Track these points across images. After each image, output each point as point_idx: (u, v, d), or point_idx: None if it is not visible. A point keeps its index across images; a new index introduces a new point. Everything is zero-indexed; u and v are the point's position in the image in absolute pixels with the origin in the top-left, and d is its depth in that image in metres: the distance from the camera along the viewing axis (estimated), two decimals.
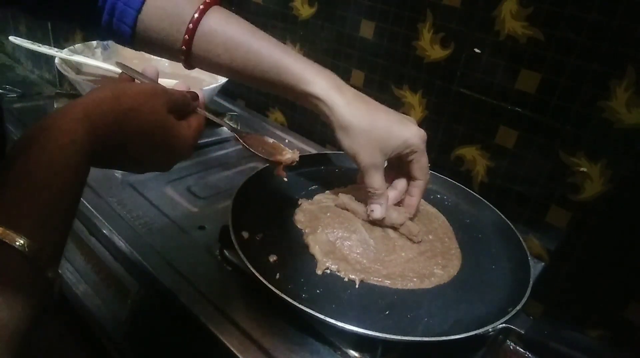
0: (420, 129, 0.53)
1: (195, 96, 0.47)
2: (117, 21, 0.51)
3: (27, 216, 0.28)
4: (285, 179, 0.55)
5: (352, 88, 0.53)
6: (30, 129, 0.31)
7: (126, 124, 0.36)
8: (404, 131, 0.52)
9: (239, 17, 0.52)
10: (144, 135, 0.38)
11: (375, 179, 0.53)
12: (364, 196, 0.64)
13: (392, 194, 0.57)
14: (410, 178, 0.56)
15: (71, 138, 0.31)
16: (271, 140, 0.55)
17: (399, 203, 0.58)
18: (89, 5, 0.51)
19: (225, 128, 0.92)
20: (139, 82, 0.47)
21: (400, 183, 0.57)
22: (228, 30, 0.51)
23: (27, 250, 0.27)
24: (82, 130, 0.32)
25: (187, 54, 0.52)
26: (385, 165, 0.55)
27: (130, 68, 0.49)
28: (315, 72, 0.51)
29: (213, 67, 0.54)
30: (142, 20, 0.51)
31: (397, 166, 0.56)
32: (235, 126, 0.92)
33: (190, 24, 0.49)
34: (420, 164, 0.54)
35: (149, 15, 0.51)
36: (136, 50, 0.55)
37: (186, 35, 0.50)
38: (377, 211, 0.55)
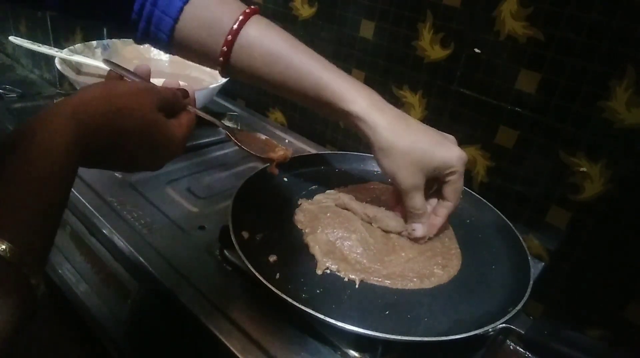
0: (462, 150, 0.52)
1: (185, 94, 0.46)
2: (154, 29, 0.50)
3: (9, 220, 0.27)
4: (276, 174, 0.54)
5: (393, 107, 0.52)
6: (16, 130, 0.30)
7: (115, 124, 0.36)
8: (446, 152, 0.51)
9: (279, 29, 0.51)
10: (133, 134, 0.37)
11: (417, 200, 0.52)
12: (364, 196, 0.64)
13: (437, 221, 0.56)
14: (441, 197, 0.55)
15: (58, 139, 0.31)
16: (264, 137, 0.55)
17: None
18: (124, 10, 0.50)
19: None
20: (128, 80, 0.46)
21: (432, 203, 0.56)
22: (267, 43, 0.50)
23: (9, 255, 0.26)
24: (70, 131, 0.32)
25: (224, 64, 0.51)
26: None
27: (119, 66, 0.48)
28: (356, 91, 0.50)
29: (251, 79, 0.53)
30: (180, 29, 0.50)
31: (430, 185, 0.55)
32: (234, 125, 0.93)
33: (229, 36, 0.49)
34: (455, 186, 0.53)
35: (186, 24, 0.50)
36: (173, 55, 0.55)
37: (224, 47, 0.49)
38: (419, 230, 0.55)
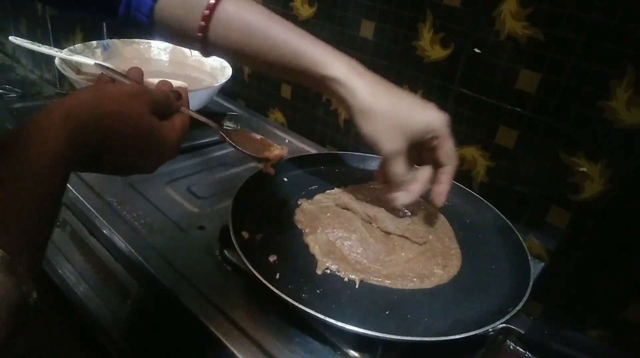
0: (442, 112, 0.51)
1: (178, 95, 0.46)
2: (134, 11, 0.51)
3: (0, 226, 0.27)
4: (272, 174, 0.54)
5: (373, 73, 0.51)
6: (6, 134, 0.30)
7: (107, 127, 0.35)
8: (426, 114, 0.50)
9: (255, 3, 0.52)
10: (126, 137, 0.37)
11: (398, 167, 0.51)
12: (365, 196, 0.64)
13: (416, 187, 0.54)
14: (437, 165, 0.54)
15: (49, 144, 0.30)
16: (259, 136, 0.54)
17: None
18: None
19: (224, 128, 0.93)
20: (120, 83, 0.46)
21: (423, 173, 0.54)
22: (245, 16, 0.50)
23: (0, 261, 0.25)
24: (61, 135, 0.31)
25: (203, 40, 0.51)
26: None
27: (110, 69, 0.48)
28: (335, 57, 0.50)
29: (230, 53, 0.53)
30: (159, 9, 0.50)
31: (417, 156, 0.54)
32: (234, 125, 0.93)
33: (207, 10, 0.49)
34: (446, 148, 0.51)
35: (165, 4, 0.50)
36: (153, 38, 0.55)
37: (202, 22, 0.49)
38: (402, 198, 0.53)
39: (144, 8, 0.50)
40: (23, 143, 0.30)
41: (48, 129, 0.31)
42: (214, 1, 0.49)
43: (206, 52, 0.53)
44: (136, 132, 0.38)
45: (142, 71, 0.48)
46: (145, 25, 0.52)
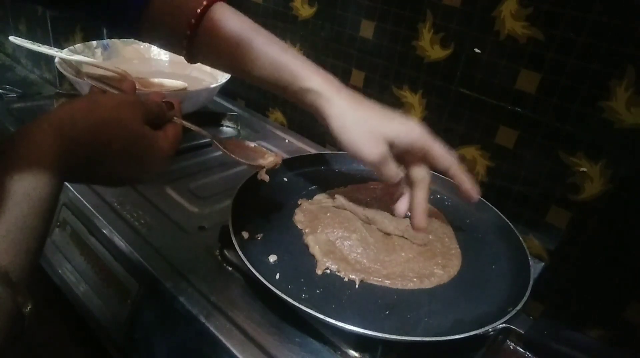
0: (418, 123, 0.51)
1: (171, 105, 0.46)
2: (121, 15, 0.51)
3: None
4: (267, 181, 0.54)
5: (348, 88, 0.52)
6: None
7: (100, 137, 0.35)
8: (402, 123, 0.51)
9: (241, 15, 0.52)
10: (118, 146, 0.37)
11: (389, 170, 0.50)
12: (365, 196, 0.64)
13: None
14: (442, 172, 0.54)
15: (41, 155, 0.30)
16: (252, 144, 0.55)
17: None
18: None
19: (223, 129, 0.93)
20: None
21: (418, 173, 0.53)
22: (229, 28, 0.50)
23: None
24: (54, 146, 0.31)
25: (189, 49, 0.52)
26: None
27: (102, 81, 0.48)
28: (313, 70, 0.51)
29: (214, 62, 0.54)
30: (147, 15, 0.51)
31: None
32: (234, 125, 0.93)
33: (193, 19, 0.49)
34: (437, 152, 0.51)
35: (153, 9, 0.51)
36: (141, 41, 0.55)
37: (188, 31, 0.50)
38: (401, 207, 0.54)
39: (133, 12, 0.51)
40: (14, 155, 0.30)
41: (41, 140, 0.31)
42: (200, 10, 0.49)
43: (191, 60, 0.54)
44: (128, 142, 0.38)
45: (134, 84, 0.48)
46: (133, 30, 0.52)
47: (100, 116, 0.36)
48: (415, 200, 0.53)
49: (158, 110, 0.43)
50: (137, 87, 0.48)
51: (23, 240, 0.29)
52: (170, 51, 0.55)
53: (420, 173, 0.52)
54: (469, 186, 0.53)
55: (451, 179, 0.53)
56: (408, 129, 0.50)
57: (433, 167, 0.53)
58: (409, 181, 0.54)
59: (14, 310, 0.27)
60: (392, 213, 0.60)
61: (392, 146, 0.50)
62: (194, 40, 0.51)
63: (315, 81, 0.50)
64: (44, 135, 0.31)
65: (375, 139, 0.49)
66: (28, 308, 0.28)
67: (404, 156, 0.52)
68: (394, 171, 0.51)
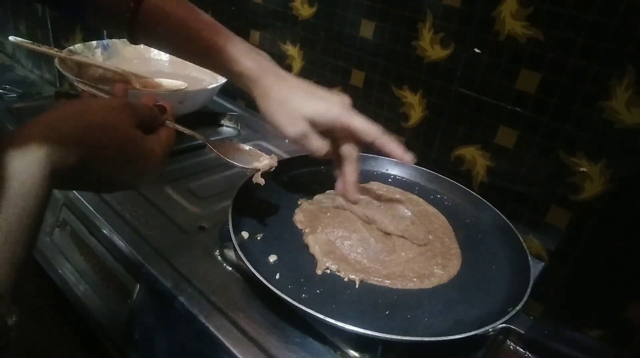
0: (342, 96, 0.54)
1: (163, 109, 0.46)
2: None
3: None
4: (262, 184, 0.54)
5: (280, 68, 0.54)
6: None
7: (91, 141, 0.34)
8: (321, 102, 0.53)
9: None
10: (110, 151, 0.36)
11: (312, 143, 0.53)
12: (364, 196, 0.64)
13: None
14: (370, 146, 0.55)
15: (28, 164, 0.30)
16: (247, 147, 0.55)
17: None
18: None
19: (223, 129, 0.93)
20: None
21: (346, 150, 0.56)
22: (168, 10, 0.52)
23: None
24: (43, 151, 0.30)
25: (129, 31, 0.53)
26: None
27: (92, 85, 0.48)
28: (243, 53, 0.52)
29: (155, 44, 0.57)
30: None
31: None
32: (234, 125, 0.93)
33: (132, 3, 0.50)
34: (358, 127, 0.53)
35: None
36: (86, 21, 0.56)
37: (128, 13, 0.51)
38: (337, 184, 0.57)
39: None
40: (3, 162, 0.29)
41: (30, 146, 0.30)
42: None
43: (133, 41, 0.55)
44: (120, 146, 0.37)
45: (126, 88, 0.48)
46: (79, 8, 0.52)
47: (90, 121, 0.35)
48: (345, 175, 0.57)
49: (150, 114, 0.43)
50: (136, 87, 0.49)
51: (8, 251, 0.28)
52: (113, 32, 0.57)
53: (346, 149, 0.56)
54: (400, 152, 0.55)
55: (380, 149, 0.55)
56: (327, 108, 0.52)
57: (360, 141, 0.55)
58: (338, 158, 0.57)
59: None
60: (392, 213, 0.60)
61: (314, 124, 0.52)
62: (134, 23, 0.51)
63: (244, 65, 0.52)
64: (34, 142, 0.30)
65: (295, 118, 0.52)
66: (13, 319, 0.27)
67: (331, 133, 0.54)
68: (316, 144, 0.53)
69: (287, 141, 0.54)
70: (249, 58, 0.52)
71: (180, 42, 0.53)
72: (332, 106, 0.53)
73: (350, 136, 0.55)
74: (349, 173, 0.57)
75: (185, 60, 0.56)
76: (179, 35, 0.52)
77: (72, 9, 0.53)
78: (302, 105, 0.52)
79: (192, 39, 0.52)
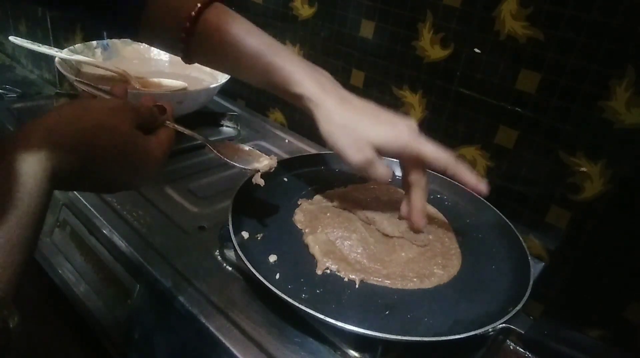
0: (408, 120, 0.51)
1: (163, 109, 0.46)
2: (119, 16, 0.51)
3: None
4: (262, 185, 0.54)
5: (342, 88, 0.52)
6: None
7: (90, 142, 0.34)
8: (390, 128, 0.50)
9: (237, 15, 0.52)
10: (110, 152, 0.36)
11: (377, 171, 0.50)
12: (364, 196, 0.64)
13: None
14: (441, 173, 0.53)
15: (30, 163, 0.30)
16: (247, 147, 0.55)
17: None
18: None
19: (223, 129, 0.93)
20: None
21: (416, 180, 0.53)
22: (225, 29, 0.50)
23: None
24: (43, 153, 0.30)
25: (185, 51, 0.52)
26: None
27: (92, 85, 0.48)
28: (305, 73, 0.51)
29: (210, 64, 0.55)
30: (144, 16, 0.51)
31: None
32: (234, 125, 0.93)
33: (188, 22, 0.49)
34: (429, 155, 0.50)
35: (151, 10, 0.51)
36: (138, 41, 0.55)
37: (184, 33, 0.50)
38: (402, 209, 0.54)
39: (132, 12, 0.51)
40: (3, 164, 0.29)
41: (30, 148, 0.30)
42: (195, 14, 0.49)
43: (189, 61, 0.54)
44: (120, 146, 0.37)
45: (125, 88, 0.48)
46: (131, 31, 0.52)
47: (89, 122, 0.35)
48: (412, 202, 0.53)
49: (149, 114, 0.43)
50: (136, 87, 0.48)
51: (9, 253, 0.28)
52: (167, 52, 0.56)
53: (415, 175, 0.52)
54: (474, 182, 0.52)
55: (453, 178, 0.52)
56: (395, 135, 0.50)
57: (430, 168, 0.52)
58: (405, 184, 0.54)
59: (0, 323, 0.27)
60: (392, 213, 0.60)
61: (380, 150, 0.50)
62: (190, 42, 0.51)
63: (305, 86, 0.50)
64: (34, 144, 0.30)
65: (361, 144, 0.49)
66: (15, 320, 0.27)
67: (398, 158, 0.52)
68: (380, 172, 0.51)
69: (349, 167, 0.51)
70: (310, 79, 0.50)
71: (237, 62, 0.51)
72: (400, 132, 0.50)
73: (418, 162, 0.51)
74: (417, 199, 0.53)
75: (243, 80, 0.54)
76: (236, 55, 0.50)
77: (127, 30, 0.53)
78: (368, 130, 0.49)
79: (250, 60, 0.50)
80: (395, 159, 0.54)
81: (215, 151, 0.51)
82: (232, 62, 0.52)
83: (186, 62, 0.54)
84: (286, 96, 0.52)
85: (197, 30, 0.50)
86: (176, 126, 0.47)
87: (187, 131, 0.50)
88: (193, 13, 0.49)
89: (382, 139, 0.49)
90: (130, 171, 0.40)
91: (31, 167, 0.30)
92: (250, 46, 0.50)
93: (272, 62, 0.50)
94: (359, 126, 0.49)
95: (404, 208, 0.55)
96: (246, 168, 0.52)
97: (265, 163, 0.53)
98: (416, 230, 0.56)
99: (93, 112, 0.36)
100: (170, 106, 0.48)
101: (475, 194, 0.68)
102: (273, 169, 0.54)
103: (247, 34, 0.51)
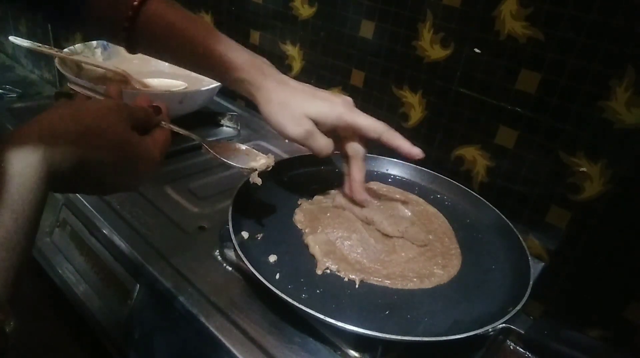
0: (344, 96, 0.55)
1: (158, 110, 0.46)
2: (62, 8, 0.52)
3: None
4: (260, 184, 0.54)
5: (281, 74, 0.54)
6: None
7: (86, 143, 0.34)
8: (325, 102, 0.53)
9: (178, 6, 0.53)
10: (106, 153, 0.36)
11: (317, 142, 0.53)
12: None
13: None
14: (376, 142, 0.56)
15: (25, 164, 0.30)
16: (244, 147, 0.55)
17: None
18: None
19: (223, 129, 0.93)
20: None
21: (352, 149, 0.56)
22: (166, 19, 0.51)
23: None
24: (39, 154, 0.30)
25: (128, 41, 0.52)
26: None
27: (87, 87, 0.48)
28: (245, 60, 0.52)
29: (153, 54, 0.56)
30: (87, 7, 0.51)
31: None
32: (234, 125, 0.93)
33: (130, 12, 0.50)
34: (363, 124, 0.54)
35: (93, 1, 0.51)
36: (83, 34, 0.55)
37: (126, 23, 0.50)
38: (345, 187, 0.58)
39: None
40: None
41: (25, 150, 0.30)
42: (136, 3, 0.50)
43: (131, 51, 0.54)
44: (116, 147, 0.37)
45: (120, 89, 0.48)
46: (74, 20, 0.53)
47: (85, 123, 0.35)
48: (351, 175, 0.57)
49: (144, 115, 0.43)
50: (136, 87, 0.48)
51: (5, 257, 0.28)
52: (111, 42, 0.57)
53: (352, 147, 0.56)
54: (408, 147, 0.55)
55: (387, 145, 0.55)
56: (330, 107, 0.53)
57: (366, 139, 0.55)
58: (344, 157, 0.57)
59: None
60: (392, 213, 0.60)
61: (317, 123, 0.53)
62: (132, 32, 0.51)
63: (246, 71, 0.52)
64: (28, 147, 0.30)
65: (298, 118, 0.52)
66: (11, 325, 0.27)
67: (336, 133, 0.55)
68: (321, 143, 0.53)
69: (291, 142, 0.54)
70: (249, 64, 0.52)
71: (179, 51, 0.53)
72: (335, 105, 0.53)
73: (356, 134, 0.55)
74: (355, 171, 0.57)
75: (185, 69, 0.56)
76: (178, 44, 0.52)
77: (70, 21, 0.53)
78: (304, 105, 0.52)
79: (192, 48, 0.52)
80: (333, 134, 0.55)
81: (211, 151, 0.51)
82: (174, 51, 0.53)
83: (130, 53, 0.55)
84: (227, 82, 0.54)
85: (139, 21, 0.51)
86: (172, 126, 0.47)
87: (183, 131, 0.49)
88: (135, 3, 0.50)
89: (318, 112, 0.52)
90: (125, 171, 0.40)
91: (27, 168, 0.30)
92: (192, 34, 0.52)
93: (214, 49, 0.52)
94: (296, 102, 0.52)
95: (345, 184, 0.58)
96: (243, 167, 0.52)
97: (262, 161, 0.53)
98: (359, 203, 0.58)
99: (87, 113, 0.36)
100: (165, 106, 0.48)
101: (475, 194, 0.68)
102: (270, 167, 0.54)
103: (188, 23, 0.52)
